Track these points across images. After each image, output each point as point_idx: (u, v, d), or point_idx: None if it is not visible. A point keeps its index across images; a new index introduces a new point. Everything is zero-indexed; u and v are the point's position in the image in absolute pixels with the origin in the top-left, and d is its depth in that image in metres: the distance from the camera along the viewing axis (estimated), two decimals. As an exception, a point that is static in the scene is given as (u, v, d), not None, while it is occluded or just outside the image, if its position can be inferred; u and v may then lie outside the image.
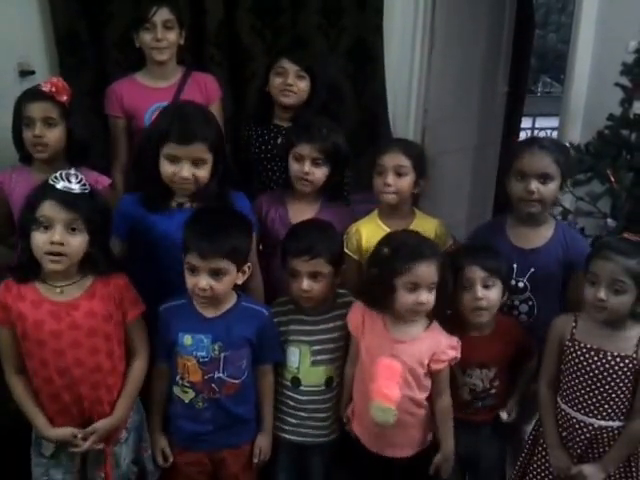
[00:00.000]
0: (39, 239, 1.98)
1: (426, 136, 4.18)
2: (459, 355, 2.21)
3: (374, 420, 2.19)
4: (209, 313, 2.22)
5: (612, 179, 2.78)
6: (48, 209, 1.97)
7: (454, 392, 2.31)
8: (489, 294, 2.24)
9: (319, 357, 2.36)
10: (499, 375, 2.32)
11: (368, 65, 3.77)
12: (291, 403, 2.41)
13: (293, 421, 2.42)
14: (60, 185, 1.99)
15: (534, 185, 2.32)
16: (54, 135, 2.50)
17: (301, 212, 2.62)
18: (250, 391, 2.31)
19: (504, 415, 2.36)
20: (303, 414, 2.41)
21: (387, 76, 3.83)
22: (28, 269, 2.06)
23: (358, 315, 2.28)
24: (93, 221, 2.03)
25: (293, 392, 2.40)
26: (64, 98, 2.50)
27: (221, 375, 2.21)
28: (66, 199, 1.98)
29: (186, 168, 2.24)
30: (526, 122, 6.69)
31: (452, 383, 2.31)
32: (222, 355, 2.20)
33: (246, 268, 2.21)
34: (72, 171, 2.04)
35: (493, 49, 4.66)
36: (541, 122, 7.09)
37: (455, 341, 2.22)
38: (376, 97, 3.82)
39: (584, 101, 3.46)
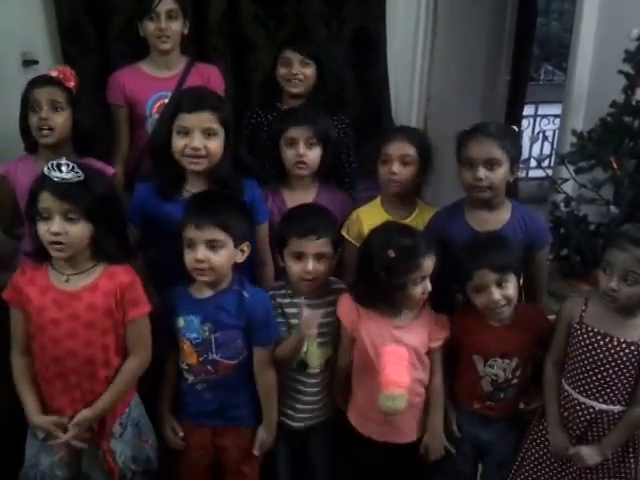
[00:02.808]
0: (41, 229, 2.02)
1: (428, 124, 4.18)
2: (449, 333, 2.29)
3: (383, 410, 2.18)
4: (201, 294, 2.26)
5: (615, 166, 2.80)
6: (45, 200, 2.00)
7: (475, 384, 2.35)
8: (506, 292, 2.22)
9: (322, 339, 2.38)
10: (521, 365, 2.33)
11: (370, 54, 3.79)
12: (297, 387, 2.44)
13: (298, 406, 2.46)
14: (53, 175, 2.00)
15: (481, 172, 2.34)
16: (60, 119, 2.55)
17: (299, 200, 2.66)
18: (249, 373, 2.32)
19: (523, 406, 2.40)
20: (306, 397, 2.45)
21: (389, 64, 3.84)
22: (41, 254, 2.10)
23: (351, 308, 2.31)
24: (92, 209, 2.03)
25: (299, 375, 2.43)
26: (71, 84, 2.56)
27: (215, 357, 2.24)
28: (60, 190, 1.99)
29: (197, 137, 2.30)
30: (529, 109, 6.71)
31: (472, 375, 2.35)
32: (212, 337, 2.23)
33: (245, 247, 2.24)
34: (63, 160, 2.04)
35: (496, 37, 4.67)
36: (543, 109, 7.10)
37: (444, 318, 2.30)
38: (378, 86, 3.84)
39: (587, 88, 3.48)
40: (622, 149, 2.85)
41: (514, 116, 5.34)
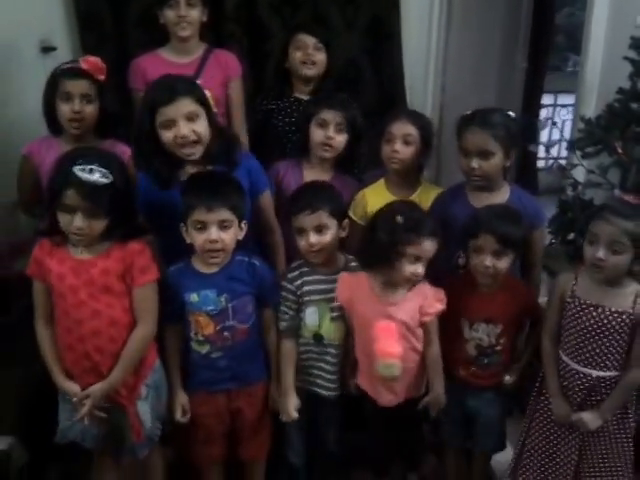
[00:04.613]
0: (64, 221, 2.25)
1: (444, 112, 4.34)
2: (444, 307, 2.48)
3: (381, 376, 2.46)
4: (208, 269, 2.48)
5: (619, 151, 2.97)
6: (70, 198, 2.21)
7: (461, 348, 2.58)
8: (498, 263, 2.46)
9: (336, 314, 2.61)
10: (505, 332, 2.54)
11: (385, 42, 3.95)
12: (313, 356, 2.67)
13: (323, 375, 2.67)
14: (83, 177, 2.20)
15: (475, 162, 2.57)
16: (90, 111, 2.77)
17: (314, 178, 2.88)
18: (258, 334, 2.60)
19: (507, 378, 2.59)
20: (328, 367, 2.66)
21: (404, 52, 3.99)
22: (56, 234, 2.32)
23: (346, 288, 2.54)
24: (113, 208, 2.26)
25: (315, 347, 2.65)
26: (101, 77, 2.77)
27: (232, 323, 2.49)
28: (87, 191, 2.20)
29: (182, 125, 2.47)
30: (548, 99, 6.86)
31: (459, 338, 2.58)
32: (229, 305, 2.47)
33: (243, 225, 2.45)
34: (95, 166, 2.22)
35: (511, 25, 4.82)
36: (564, 99, 7.22)
37: (441, 294, 2.49)
38: (393, 74, 4.00)
39: (599, 76, 3.65)
40: (628, 134, 3.03)
41: (532, 105, 5.48)
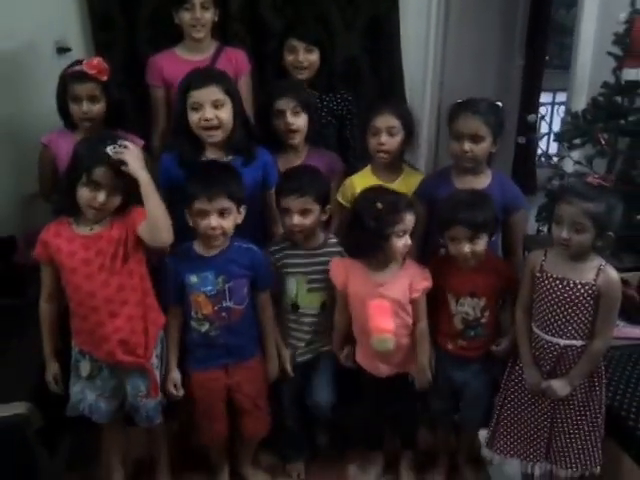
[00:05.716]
0: (86, 195, 2.49)
1: (442, 110, 4.47)
2: (430, 284, 2.72)
3: (377, 351, 2.70)
4: (209, 252, 2.71)
5: (602, 141, 3.18)
6: (99, 175, 2.46)
7: (449, 322, 2.80)
8: (475, 247, 2.67)
9: (314, 285, 2.88)
10: (488, 305, 2.75)
11: (384, 41, 4.11)
12: (293, 325, 2.93)
13: (294, 342, 2.95)
14: (116, 156, 2.45)
15: (467, 146, 2.80)
16: (98, 109, 3.04)
17: (289, 162, 3.14)
18: (252, 314, 2.82)
19: (494, 347, 2.79)
20: (303, 335, 2.94)
21: (403, 51, 4.14)
22: (71, 210, 2.56)
23: (341, 270, 2.78)
24: (133, 186, 2.49)
25: (293, 315, 2.92)
26: (105, 78, 3.01)
27: (229, 304, 2.72)
28: (118, 169, 2.46)
29: (208, 109, 2.78)
30: (547, 97, 6.98)
31: (447, 313, 2.80)
32: (226, 286, 2.70)
33: (242, 209, 2.68)
34: (126, 143, 2.51)
35: (509, 23, 4.98)
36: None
37: (427, 272, 2.73)
38: (393, 73, 4.16)
39: (589, 73, 3.85)
40: (610, 125, 3.24)
41: (530, 103, 5.63)
